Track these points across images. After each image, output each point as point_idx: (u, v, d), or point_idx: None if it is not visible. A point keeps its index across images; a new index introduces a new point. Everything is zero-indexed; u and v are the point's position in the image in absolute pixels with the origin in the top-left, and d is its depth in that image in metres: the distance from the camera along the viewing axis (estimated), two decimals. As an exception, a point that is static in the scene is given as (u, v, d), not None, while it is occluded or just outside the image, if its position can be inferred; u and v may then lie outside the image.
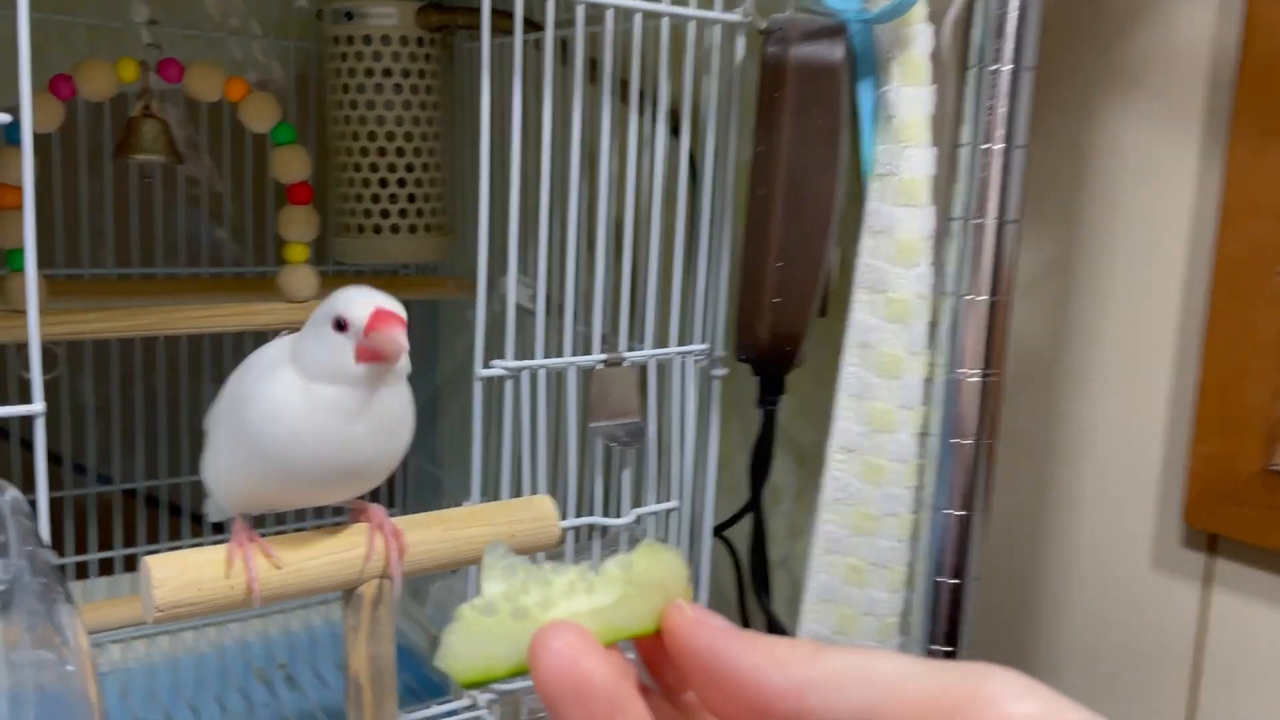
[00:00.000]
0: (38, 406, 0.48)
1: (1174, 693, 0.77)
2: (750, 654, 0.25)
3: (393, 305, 0.50)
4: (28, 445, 0.94)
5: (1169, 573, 0.77)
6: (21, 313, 0.73)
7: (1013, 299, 0.67)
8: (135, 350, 0.96)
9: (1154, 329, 0.77)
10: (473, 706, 0.66)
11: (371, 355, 0.49)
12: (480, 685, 0.25)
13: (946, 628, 0.70)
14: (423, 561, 0.51)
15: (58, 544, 0.94)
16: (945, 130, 0.70)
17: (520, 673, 0.25)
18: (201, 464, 0.56)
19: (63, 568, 0.38)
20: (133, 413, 0.97)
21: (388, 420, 0.51)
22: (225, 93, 0.75)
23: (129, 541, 0.98)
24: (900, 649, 0.72)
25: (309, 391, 0.49)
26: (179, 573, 0.45)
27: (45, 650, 0.37)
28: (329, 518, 1.00)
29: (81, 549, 0.95)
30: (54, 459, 0.96)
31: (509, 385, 0.65)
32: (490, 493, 0.68)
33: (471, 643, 0.25)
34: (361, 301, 0.50)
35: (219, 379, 0.99)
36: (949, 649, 0.71)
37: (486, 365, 0.64)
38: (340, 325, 0.49)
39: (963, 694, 0.22)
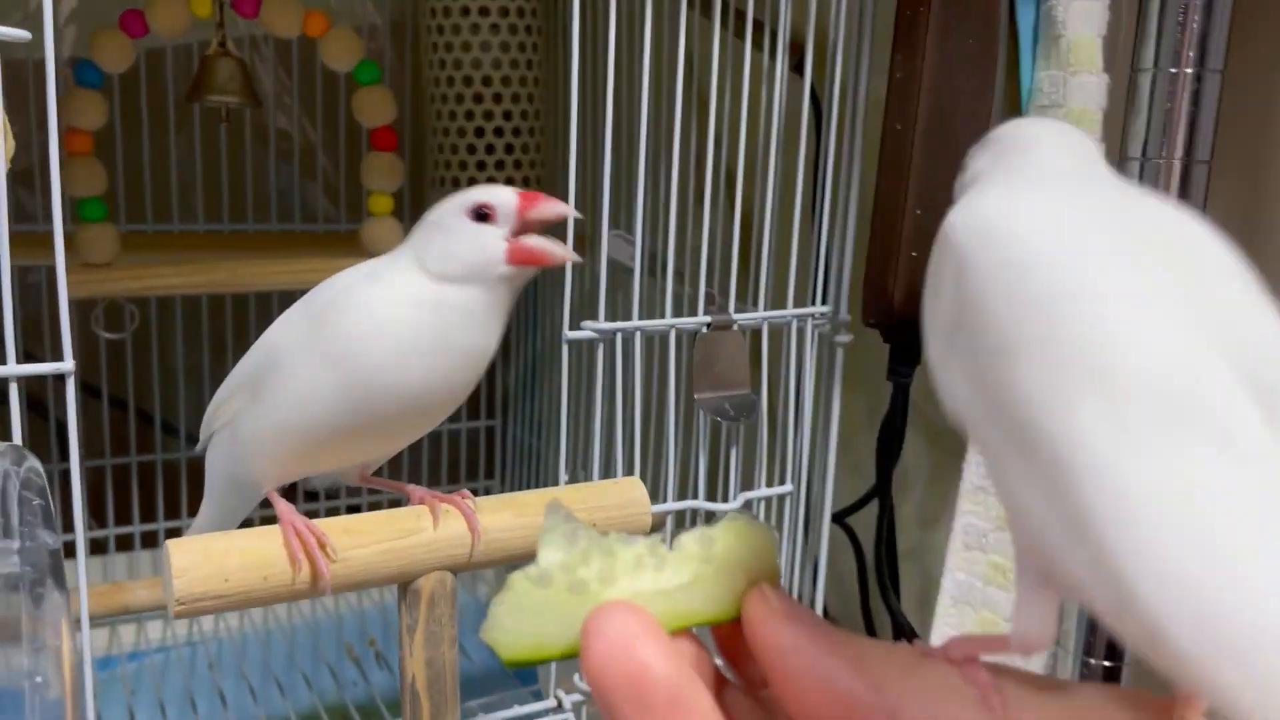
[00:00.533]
0: (68, 365, 0.42)
1: None
2: (837, 661, 0.22)
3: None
4: (118, 403, 0.92)
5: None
6: (96, 266, 0.69)
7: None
8: (226, 311, 0.92)
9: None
10: (558, 708, 0.59)
11: (530, 257, 0.42)
12: (528, 664, 0.23)
13: (1107, 637, 0.60)
14: (490, 552, 0.44)
15: (148, 508, 0.91)
16: (1122, 53, 0.59)
17: (574, 655, 0.22)
18: (229, 428, 0.50)
19: (57, 552, 0.33)
20: (224, 375, 0.93)
21: (496, 338, 0.44)
22: (304, 28, 0.69)
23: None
24: (1049, 666, 0.62)
25: (438, 293, 0.42)
26: (201, 561, 0.38)
27: (14, 651, 0.31)
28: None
29: (174, 513, 0.92)
30: (145, 420, 0.93)
31: (601, 349, 0.57)
32: (581, 470, 0.60)
33: (521, 617, 0.22)
34: (502, 190, 0.43)
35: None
36: (1110, 663, 0.61)
37: (576, 327, 0.56)
38: (482, 214, 0.42)
39: None
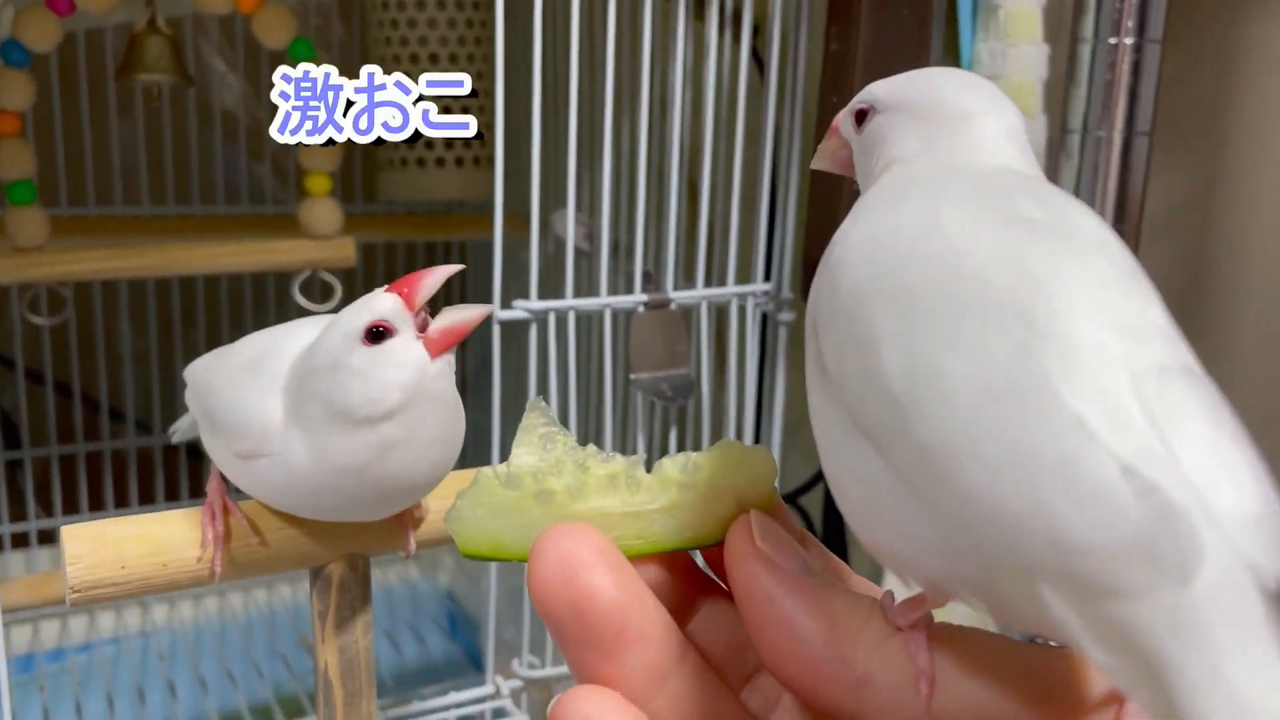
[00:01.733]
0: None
1: None
2: (809, 622, 0.21)
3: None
4: (63, 390, 0.91)
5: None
6: (25, 251, 0.67)
7: (1141, 228, 0.56)
8: (174, 296, 0.91)
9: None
10: (496, 694, 0.58)
11: (450, 339, 0.38)
12: (483, 559, 0.23)
13: None
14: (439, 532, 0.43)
15: (97, 497, 0.90)
16: (1062, 23, 0.58)
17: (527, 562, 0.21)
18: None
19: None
20: (173, 362, 0.92)
21: (459, 420, 0.41)
22: (237, 5, 0.68)
23: (171, 495, 0.93)
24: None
25: (363, 453, 0.38)
26: (96, 548, 0.37)
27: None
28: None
29: (123, 502, 0.90)
30: (92, 408, 0.91)
31: (532, 330, 0.56)
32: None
33: (483, 514, 0.22)
34: (379, 298, 0.38)
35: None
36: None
37: (506, 306, 0.55)
38: (378, 333, 0.38)
39: (1074, 702, 0.19)
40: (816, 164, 0.29)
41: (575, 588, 0.20)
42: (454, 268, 0.39)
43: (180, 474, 0.94)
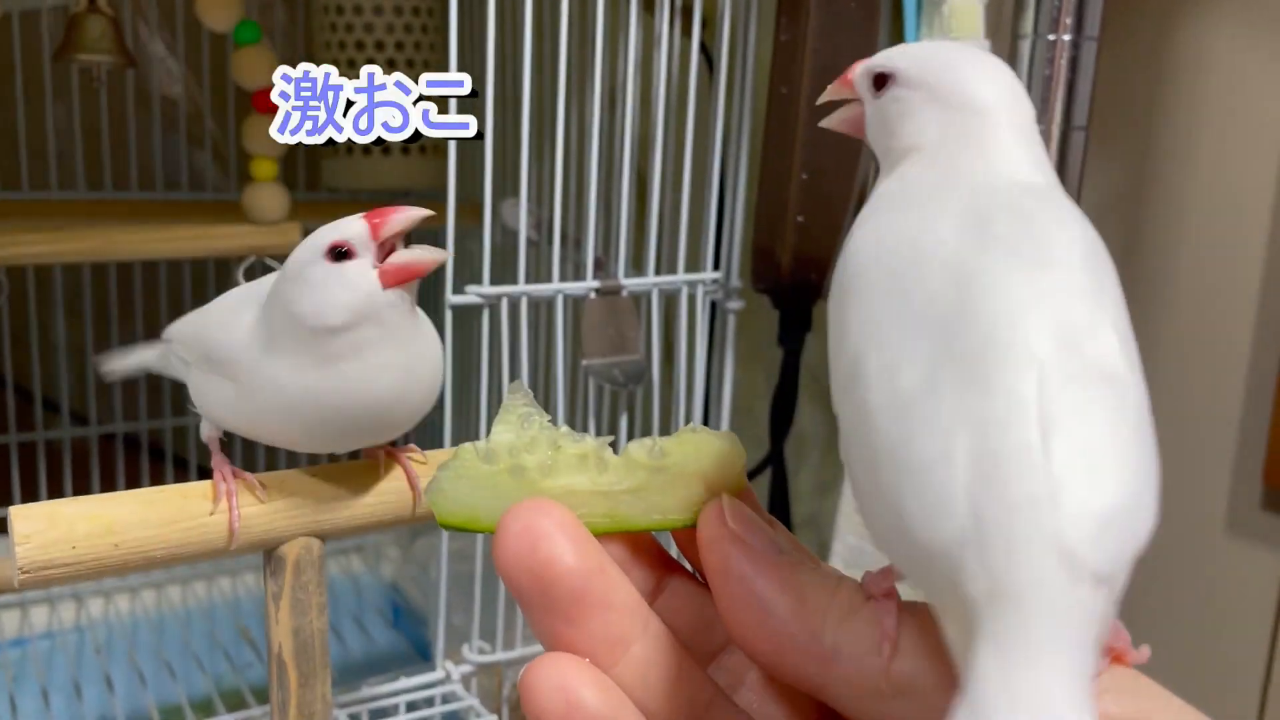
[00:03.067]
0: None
1: (1250, 665, 0.70)
2: (778, 598, 0.22)
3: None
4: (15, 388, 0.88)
5: (1247, 538, 0.70)
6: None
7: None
8: (111, 284, 0.89)
9: (1238, 264, 0.68)
10: (446, 679, 0.58)
11: (405, 274, 0.40)
12: (459, 530, 0.24)
13: None
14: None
15: (30, 489, 0.87)
16: (1003, 20, 0.60)
17: None
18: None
19: None
20: (110, 351, 0.90)
21: (421, 347, 0.43)
22: (180, -14, 0.67)
23: (107, 486, 0.91)
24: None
25: (321, 371, 0.41)
26: (46, 528, 0.37)
27: None
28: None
29: (57, 494, 0.88)
30: (25, 398, 0.89)
31: (485, 315, 0.56)
32: (468, 439, 0.59)
33: (462, 486, 0.23)
34: (349, 221, 0.41)
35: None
36: None
37: (459, 291, 0.55)
38: (340, 253, 0.40)
39: None
40: (829, 124, 0.29)
41: (536, 557, 0.21)
42: (425, 211, 0.40)
43: (116, 465, 0.92)
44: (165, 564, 0.39)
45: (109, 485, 0.91)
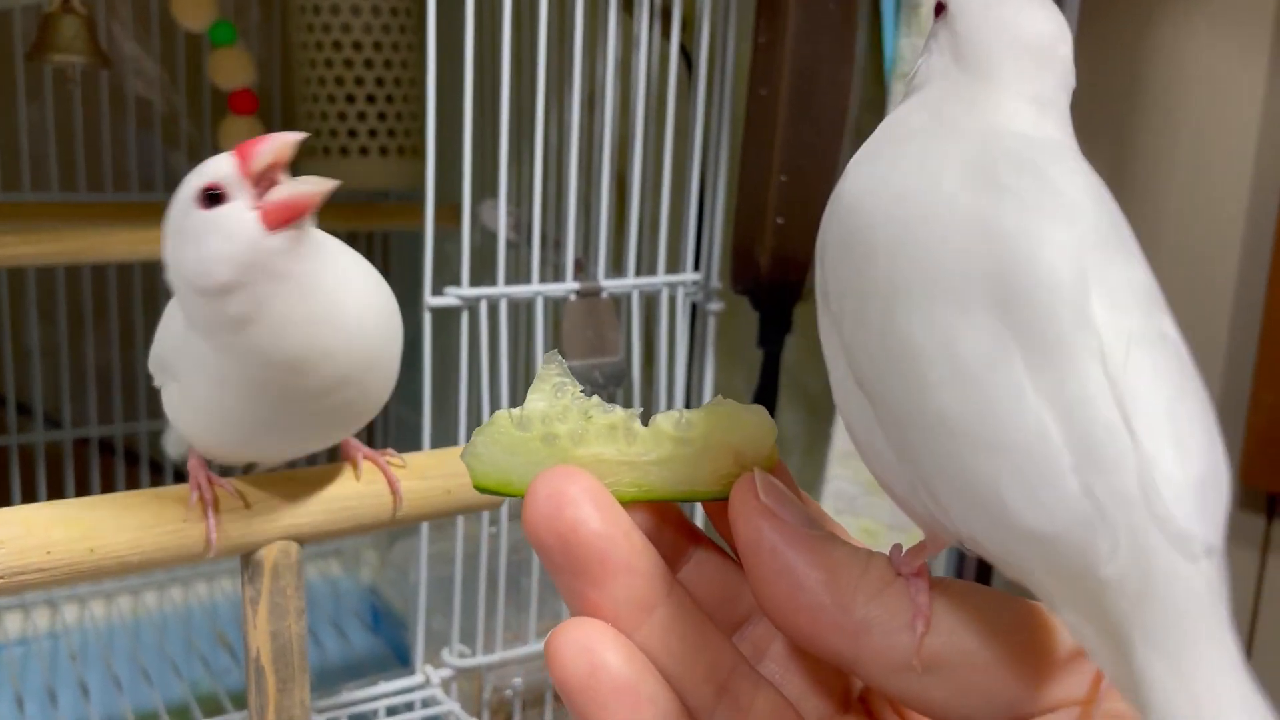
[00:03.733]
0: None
1: None
2: (811, 572, 0.22)
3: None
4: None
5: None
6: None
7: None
8: (85, 287, 0.88)
9: (1214, 263, 0.69)
10: (426, 684, 0.58)
11: (287, 212, 0.34)
12: (493, 493, 0.24)
13: (976, 560, 0.64)
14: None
15: (3, 494, 0.86)
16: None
17: None
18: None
19: None
20: (83, 355, 0.89)
21: (346, 296, 0.37)
22: (155, -14, 0.66)
23: (81, 492, 0.90)
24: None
25: (219, 340, 0.37)
26: (22, 533, 0.36)
27: None
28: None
29: (30, 498, 0.87)
30: (-3, 402, 0.88)
31: (464, 317, 0.56)
32: (447, 442, 0.59)
33: (496, 451, 0.24)
34: (215, 160, 0.35)
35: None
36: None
37: (438, 293, 0.55)
38: (213, 196, 0.35)
39: (1057, 654, 0.20)
40: None
41: (562, 520, 0.22)
42: (297, 135, 0.35)
43: (91, 469, 0.91)
44: (141, 570, 0.39)
45: (83, 490, 0.91)
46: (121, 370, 0.92)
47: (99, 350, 0.90)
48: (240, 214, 0.35)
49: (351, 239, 0.99)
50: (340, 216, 0.93)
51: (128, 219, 0.79)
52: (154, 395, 0.90)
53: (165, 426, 0.51)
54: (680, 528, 0.25)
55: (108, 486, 0.91)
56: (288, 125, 0.91)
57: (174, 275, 0.37)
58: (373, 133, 0.85)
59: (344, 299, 0.38)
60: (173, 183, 0.93)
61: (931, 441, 0.19)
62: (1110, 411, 0.18)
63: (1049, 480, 0.17)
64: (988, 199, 0.20)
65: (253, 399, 0.38)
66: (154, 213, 0.83)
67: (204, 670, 0.84)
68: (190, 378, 0.39)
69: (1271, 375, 0.65)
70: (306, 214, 0.35)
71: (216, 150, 0.71)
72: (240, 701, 0.78)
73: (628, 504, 0.23)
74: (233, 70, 0.69)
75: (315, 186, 0.35)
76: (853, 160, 0.23)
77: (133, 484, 0.93)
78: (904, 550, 0.22)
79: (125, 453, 0.93)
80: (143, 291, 0.90)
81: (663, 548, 0.24)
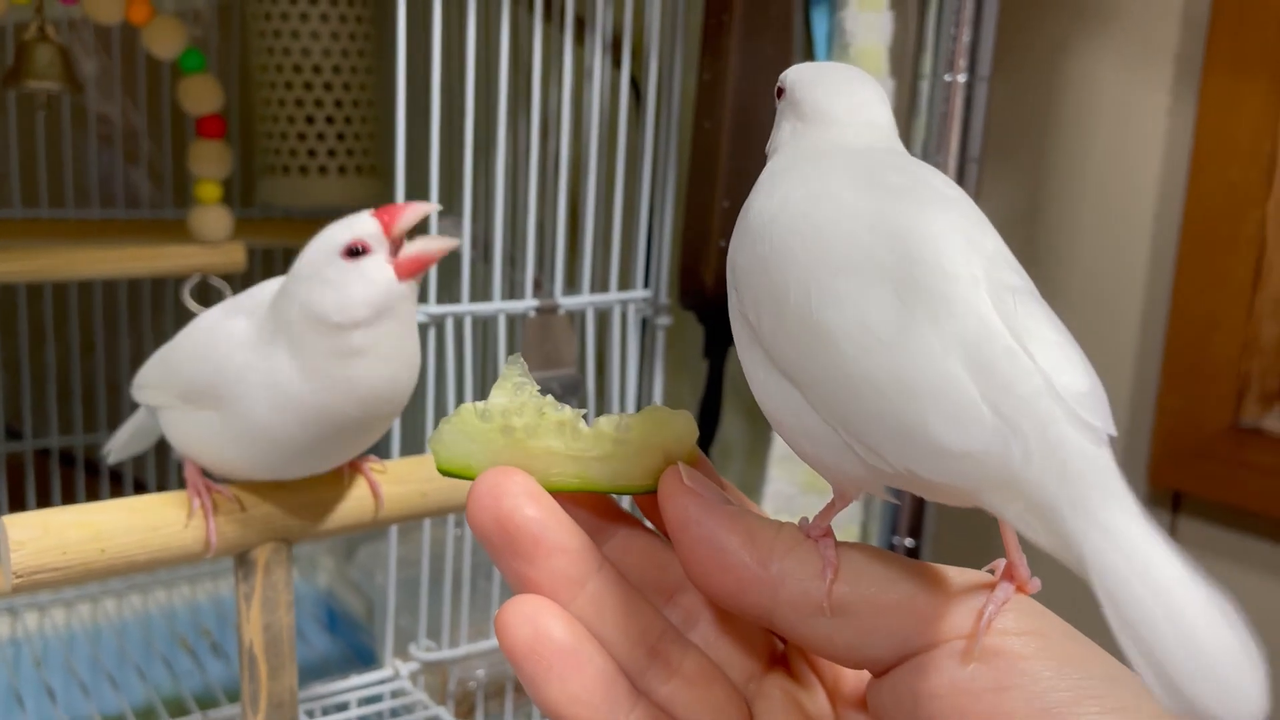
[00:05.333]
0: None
1: None
2: (731, 536, 0.25)
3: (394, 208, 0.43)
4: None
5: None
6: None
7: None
8: (46, 301, 0.90)
9: (1122, 278, 0.74)
10: (395, 677, 0.62)
11: (419, 265, 0.43)
12: (454, 476, 0.27)
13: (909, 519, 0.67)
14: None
15: (-37, 505, 0.88)
16: (906, 61, 0.66)
17: None
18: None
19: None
20: (44, 369, 0.91)
21: (414, 346, 0.46)
22: (128, 15, 0.69)
23: (42, 503, 0.92)
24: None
25: (328, 366, 0.43)
26: (40, 535, 0.39)
27: None
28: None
29: (-10, 510, 0.89)
30: (-42, 414, 0.90)
31: (431, 333, 0.60)
32: (416, 450, 0.63)
33: (459, 438, 0.27)
34: (362, 220, 0.43)
35: (137, 330, 0.94)
36: (912, 541, 0.67)
37: (407, 311, 0.59)
38: (355, 251, 0.42)
39: (945, 597, 0.24)
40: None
41: (499, 507, 0.25)
42: (433, 205, 0.44)
43: (52, 482, 0.93)
44: (147, 568, 0.42)
45: (44, 501, 0.92)
46: (82, 382, 0.94)
47: (60, 364, 0.92)
48: (381, 265, 0.42)
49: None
50: (299, 232, 0.96)
51: (94, 236, 0.82)
52: (114, 407, 0.93)
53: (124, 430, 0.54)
54: (608, 511, 0.28)
55: (69, 497, 0.93)
56: (247, 144, 0.94)
57: (302, 311, 0.43)
58: (331, 152, 0.88)
59: (416, 335, 0.45)
60: (133, 200, 0.96)
61: (861, 401, 0.22)
62: (1009, 341, 0.22)
63: (964, 409, 0.21)
64: (882, 198, 0.24)
65: (310, 424, 0.43)
66: (115, 230, 0.86)
67: (167, 673, 0.86)
68: (245, 404, 0.43)
69: (1176, 381, 0.71)
70: (430, 266, 0.43)
71: (178, 166, 0.73)
72: (205, 703, 0.81)
73: (570, 493, 0.27)
74: (201, 96, 0.72)
75: (441, 244, 0.43)
76: (748, 200, 0.27)
77: (93, 494, 0.95)
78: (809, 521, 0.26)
79: (86, 463, 0.95)
80: (103, 304, 0.92)
81: (591, 529, 0.27)
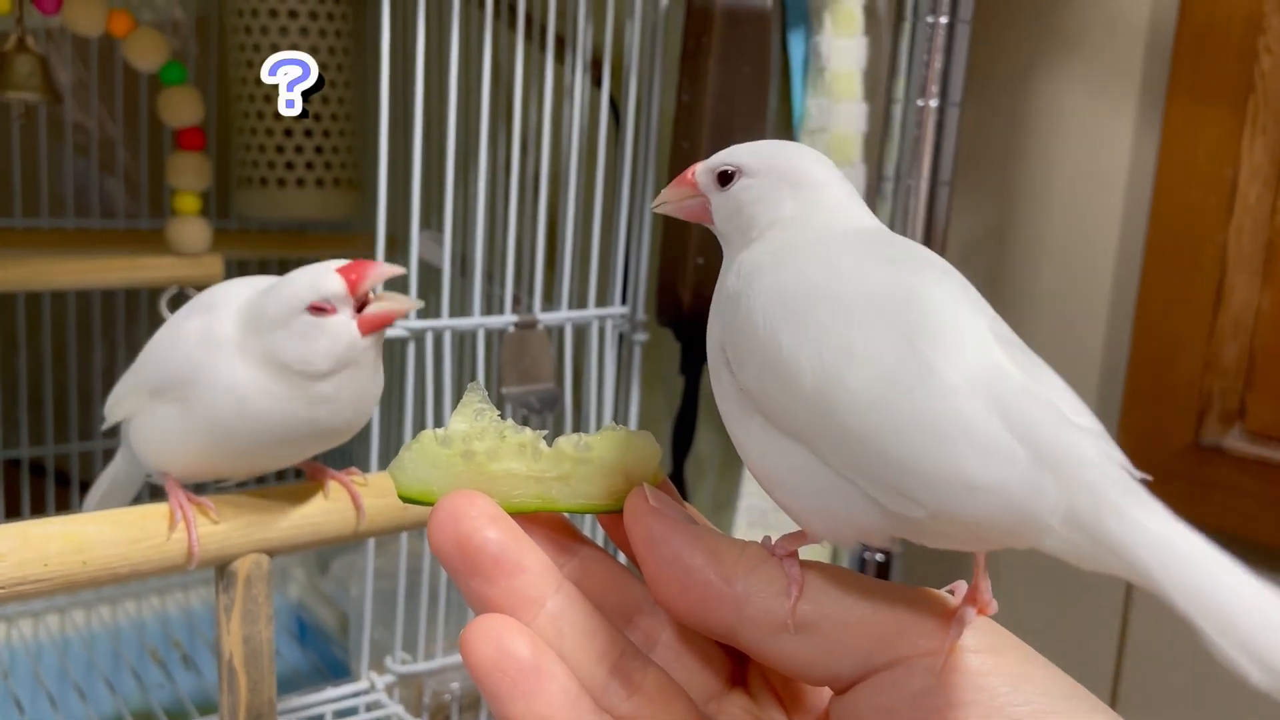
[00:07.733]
0: None
1: (1100, 666, 0.76)
2: (696, 555, 0.25)
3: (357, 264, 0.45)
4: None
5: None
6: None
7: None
8: (18, 310, 0.90)
9: (1087, 298, 0.76)
10: (371, 689, 0.62)
11: (380, 323, 0.45)
12: (415, 502, 0.27)
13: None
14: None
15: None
16: (880, 85, 0.67)
17: None
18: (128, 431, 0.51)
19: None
20: (16, 379, 0.90)
21: (377, 382, 0.48)
22: (109, 27, 0.69)
23: (12, 513, 0.91)
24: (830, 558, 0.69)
25: (306, 389, 0.45)
26: (20, 546, 0.40)
27: None
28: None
29: (-41, 521, 0.88)
30: (-73, 424, 0.89)
31: (411, 347, 0.60)
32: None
33: (420, 465, 0.27)
34: (327, 278, 0.44)
35: (110, 340, 0.94)
36: (882, 557, 0.68)
37: (387, 325, 0.59)
38: (321, 308, 0.44)
39: (907, 616, 0.24)
40: (660, 209, 0.33)
41: (459, 529, 0.26)
42: (398, 269, 0.46)
43: (22, 492, 0.92)
44: (129, 580, 0.43)
45: (14, 513, 0.91)
46: (54, 393, 0.93)
47: (31, 374, 0.91)
48: (344, 322, 0.44)
49: (283, 266, 1.03)
50: (277, 244, 0.96)
51: (66, 246, 0.82)
52: (86, 418, 0.92)
53: (98, 446, 0.55)
54: (566, 532, 0.29)
55: (38, 508, 0.92)
56: (224, 156, 0.94)
57: (269, 353, 0.45)
58: (309, 165, 0.88)
59: (379, 376, 0.48)
60: (109, 210, 0.95)
61: (886, 450, 0.23)
62: (1026, 381, 0.23)
63: (994, 444, 0.22)
64: (889, 270, 0.26)
65: (262, 434, 0.45)
66: (91, 240, 0.85)
67: (136, 685, 0.86)
68: (207, 393, 0.45)
69: (1139, 400, 0.73)
70: (391, 323, 0.46)
71: (154, 177, 0.73)
72: (174, 714, 0.81)
73: (529, 514, 0.27)
74: (182, 108, 0.72)
75: (402, 304, 0.45)
76: (745, 279, 0.28)
77: (63, 505, 0.94)
78: (774, 540, 0.26)
79: (56, 474, 0.94)
80: (76, 314, 0.91)
81: (549, 550, 0.28)
